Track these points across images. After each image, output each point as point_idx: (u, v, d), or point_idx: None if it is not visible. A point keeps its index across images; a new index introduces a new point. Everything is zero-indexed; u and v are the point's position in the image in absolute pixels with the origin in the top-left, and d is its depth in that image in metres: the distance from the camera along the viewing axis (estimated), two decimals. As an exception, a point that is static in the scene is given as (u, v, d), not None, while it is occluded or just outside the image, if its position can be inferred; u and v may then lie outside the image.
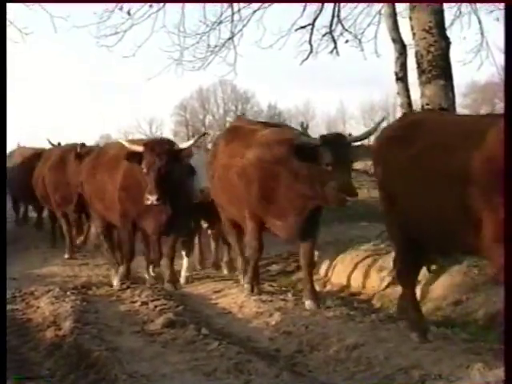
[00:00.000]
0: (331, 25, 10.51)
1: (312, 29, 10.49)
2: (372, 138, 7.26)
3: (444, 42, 7.72)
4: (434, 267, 6.59)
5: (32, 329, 6.21)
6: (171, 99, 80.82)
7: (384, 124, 7.35)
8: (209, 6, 10.03)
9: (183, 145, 7.94)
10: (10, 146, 14.29)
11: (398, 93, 9.38)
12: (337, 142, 6.33)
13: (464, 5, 10.05)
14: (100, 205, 8.49)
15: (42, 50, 53.91)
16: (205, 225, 9.04)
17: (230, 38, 10.10)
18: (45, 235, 12.20)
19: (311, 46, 10.62)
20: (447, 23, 8.65)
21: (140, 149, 7.51)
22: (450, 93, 7.70)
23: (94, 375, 4.73)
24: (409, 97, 9.27)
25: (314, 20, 10.43)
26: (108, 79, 75.25)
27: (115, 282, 8.11)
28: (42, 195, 11.28)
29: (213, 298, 7.37)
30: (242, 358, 4.93)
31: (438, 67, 7.65)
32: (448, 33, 8.00)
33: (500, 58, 9.64)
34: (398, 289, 6.73)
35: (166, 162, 7.35)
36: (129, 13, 9.49)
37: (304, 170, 6.38)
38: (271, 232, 7.11)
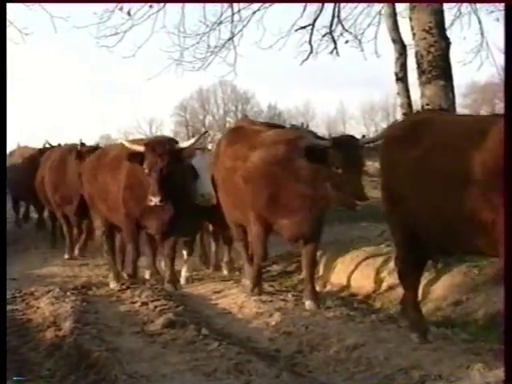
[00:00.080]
0: (331, 25, 10.52)
1: (312, 29, 10.50)
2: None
3: (444, 43, 7.73)
4: (440, 265, 6.57)
5: (32, 329, 6.21)
6: (171, 99, 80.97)
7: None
8: (209, 6, 10.04)
9: (184, 144, 7.89)
10: (10, 146, 14.27)
11: (398, 93, 9.38)
12: (348, 145, 6.25)
13: (464, 5, 10.06)
14: (103, 206, 8.44)
15: (42, 50, 54.13)
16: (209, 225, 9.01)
17: (230, 39, 10.11)
18: (45, 235, 12.20)
19: (311, 46, 10.64)
20: (447, 23, 8.67)
21: (141, 149, 7.46)
22: (450, 93, 7.71)
23: (94, 376, 4.73)
24: (409, 97, 9.27)
25: (314, 20, 10.44)
26: (108, 79, 75.40)
27: (112, 285, 8.10)
28: (42, 195, 11.29)
29: (213, 298, 7.36)
30: (242, 358, 4.93)
31: (438, 67, 7.65)
32: (448, 33, 8.01)
33: (500, 59, 9.65)
34: (398, 289, 6.75)
35: (167, 162, 7.28)
36: (129, 13, 9.50)
37: (314, 171, 6.30)
38: (275, 233, 7.04)
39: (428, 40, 7.67)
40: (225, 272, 8.75)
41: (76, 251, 10.39)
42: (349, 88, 67.35)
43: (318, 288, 7.24)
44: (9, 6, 6.89)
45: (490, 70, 25.69)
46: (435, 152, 4.86)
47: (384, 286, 7.10)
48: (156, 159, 7.30)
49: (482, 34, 10.35)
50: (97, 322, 6.31)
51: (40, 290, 7.69)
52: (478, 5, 10.06)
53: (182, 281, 8.25)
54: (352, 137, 6.65)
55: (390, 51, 9.50)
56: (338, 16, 10.46)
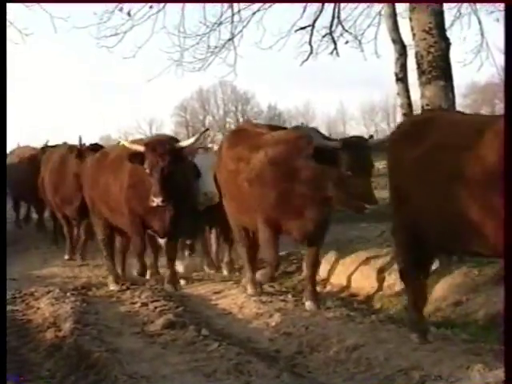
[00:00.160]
0: (331, 26, 10.52)
1: (312, 30, 10.50)
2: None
3: (444, 43, 7.72)
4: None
5: (32, 330, 6.22)
6: (171, 100, 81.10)
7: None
8: (209, 6, 10.04)
9: (185, 142, 7.86)
10: (10, 146, 14.27)
11: (398, 93, 9.39)
12: (358, 146, 6.18)
13: (464, 6, 10.06)
14: (105, 208, 8.40)
15: (42, 50, 54.26)
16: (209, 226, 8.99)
17: (230, 39, 10.10)
18: (45, 236, 12.20)
19: (311, 46, 10.64)
20: (447, 24, 8.66)
21: (141, 149, 7.44)
22: (450, 93, 7.70)
23: (94, 376, 4.73)
24: (409, 97, 9.28)
25: (314, 21, 10.43)
26: (108, 80, 75.53)
27: (112, 287, 8.09)
28: (44, 196, 11.30)
29: (213, 298, 7.36)
30: (242, 358, 4.93)
31: (438, 68, 7.65)
32: (448, 34, 8.00)
33: (500, 59, 9.65)
34: (398, 290, 6.76)
35: (168, 161, 7.24)
36: (129, 14, 9.49)
37: (322, 172, 6.22)
38: (284, 234, 6.92)
39: (428, 40, 7.66)
40: (225, 272, 8.75)
41: (77, 256, 10.36)
42: (349, 88, 67.59)
43: (318, 288, 7.23)
44: (9, 6, 6.91)
45: (490, 70, 25.70)
46: (436, 150, 4.86)
47: (384, 286, 7.09)
48: (157, 159, 7.25)
49: (482, 34, 10.35)
50: (97, 322, 6.32)
51: (40, 290, 7.70)
52: (478, 5, 10.06)
53: (182, 281, 8.25)
54: (361, 138, 6.59)
55: (390, 52, 9.51)
56: (338, 17, 10.46)
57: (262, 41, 10.33)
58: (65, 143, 11.51)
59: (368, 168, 6.19)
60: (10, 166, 12.33)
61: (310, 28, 10.47)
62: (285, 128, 8.23)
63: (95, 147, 9.81)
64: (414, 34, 7.85)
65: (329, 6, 10.36)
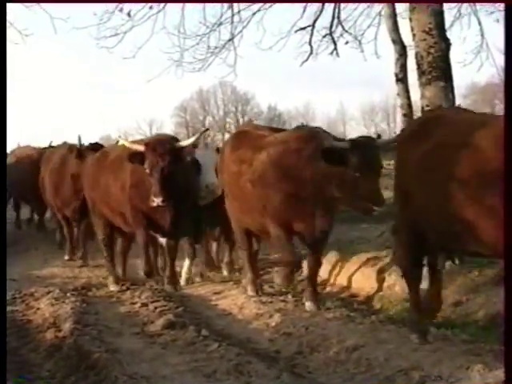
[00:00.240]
0: (331, 26, 10.52)
1: (312, 30, 10.51)
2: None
3: (444, 44, 7.72)
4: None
5: (32, 330, 6.21)
6: (171, 100, 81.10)
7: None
8: (209, 7, 10.04)
9: (185, 142, 7.85)
10: (10, 147, 14.27)
11: (398, 94, 9.38)
12: (366, 147, 6.11)
13: (464, 6, 10.06)
14: (105, 207, 8.39)
15: (42, 51, 54.25)
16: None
17: (230, 40, 10.10)
18: (45, 236, 12.19)
19: (311, 47, 10.64)
20: (447, 24, 8.67)
21: (141, 148, 7.44)
22: (450, 94, 7.70)
23: (94, 377, 4.73)
24: (409, 98, 9.27)
25: (314, 21, 10.44)
26: (108, 80, 75.45)
27: (112, 288, 8.09)
28: (44, 197, 11.30)
29: (213, 299, 7.36)
30: (242, 359, 4.93)
31: (438, 68, 7.65)
32: (448, 34, 8.01)
33: (500, 59, 9.65)
34: (398, 290, 6.76)
35: (168, 161, 7.24)
36: (129, 14, 9.49)
37: (331, 173, 6.15)
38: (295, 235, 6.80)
39: (428, 41, 7.66)
40: (225, 273, 8.75)
41: (78, 256, 10.35)
42: (349, 89, 67.64)
43: (318, 289, 7.23)
44: (9, 6, 6.89)
45: (490, 70, 25.73)
46: (438, 150, 4.85)
47: (384, 287, 7.09)
48: (157, 159, 7.24)
49: (482, 34, 10.36)
50: (97, 323, 6.32)
51: (40, 290, 7.69)
52: (478, 6, 10.07)
53: (182, 282, 8.25)
54: (370, 138, 6.54)
55: (390, 52, 9.51)
56: (338, 17, 10.46)
57: (262, 41, 10.34)
58: (65, 143, 11.50)
59: (377, 168, 6.14)
60: (11, 166, 12.33)
61: (310, 28, 10.47)
62: (284, 130, 8.20)
63: (95, 147, 9.79)
64: (413, 35, 7.85)
65: (329, 7, 10.37)
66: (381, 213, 6.18)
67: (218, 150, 8.81)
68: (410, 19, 7.89)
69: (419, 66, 7.76)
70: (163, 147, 7.34)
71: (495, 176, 4.29)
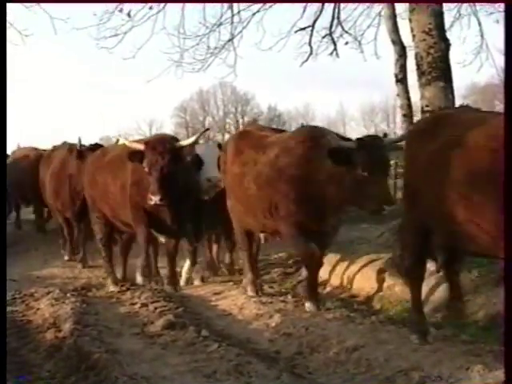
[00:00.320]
0: (331, 26, 10.55)
1: (312, 30, 10.53)
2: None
3: (444, 44, 7.73)
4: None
5: (32, 330, 6.21)
6: (171, 101, 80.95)
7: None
8: (209, 7, 10.06)
9: (185, 141, 7.84)
10: (10, 147, 14.29)
11: (398, 94, 9.41)
12: (374, 146, 6.06)
13: (464, 7, 10.09)
14: (105, 207, 8.39)
15: (42, 51, 53.94)
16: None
17: (229, 40, 10.12)
18: (45, 237, 12.19)
19: (311, 47, 10.67)
20: (447, 25, 8.70)
21: (141, 147, 7.43)
22: (449, 94, 7.71)
23: (94, 377, 4.73)
24: (408, 98, 9.30)
25: (314, 22, 10.46)
26: (108, 80, 75.40)
27: (112, 289, 8.08)
28: (44, 197, 11.29)
29: (213, 299, 7.36)
30: (241, 359, 4.93)
31: (438, 69, 7.66)
32: (448, 35, 8.02)
33: (500, 60, 9.67)
34: (398, 290, 6.76)
35: (168, 160, 7.23)
36: (129, 15, 9.51)
37: (339, 173, 6.11)
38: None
39: (428, 41, 7.67)
40: (225, 271, 8.75)
41: (78, 257, 10.34)
42: (349, 89, 67.53)
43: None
44: (9, 7, 6.89)
45: (490, 71, 25.75)
46: (444, 149, 4.83)
47: (384, 287, 7.09)
48: (156, 158, 7.23)
49: (481, 35, 10.39)
50: (97, 323, 6.31)
51: (40, 291, 7.69)
52: (478, 6, 10.09)
53: (182, 282, 8.24)
54: (377, 137, 6.51)
55: (389, 53, 9.55)
56: (338, 17, 10.49)
57: (261, 41, 10.37)
58: (64, 143, 11.50)
59: (385, 168, 6.12)
60: (11, 167, 12.34)
61: (309, 29, 10.50)
62: (285, 131, 8.19)
63: (96, 148, 9.79)
64: (413, 35, 7.86)
65: (329, 7, 10.40)
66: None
67: (219, 145, 8.79)
68: (410, 20, 7.89)
69: (419, 66, 7.77)
70: (163, 146, 7.33)
71: (498, 175, 4.27)
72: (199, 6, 10.09)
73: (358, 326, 5.84)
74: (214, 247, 9.06)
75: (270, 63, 52.75)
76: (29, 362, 5.33)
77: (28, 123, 57.94)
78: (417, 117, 9.90)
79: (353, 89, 70.31)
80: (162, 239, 8.09)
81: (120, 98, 70.84)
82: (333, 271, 7.97)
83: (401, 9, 9.72)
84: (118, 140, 8.91)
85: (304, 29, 10.49)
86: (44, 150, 12.65)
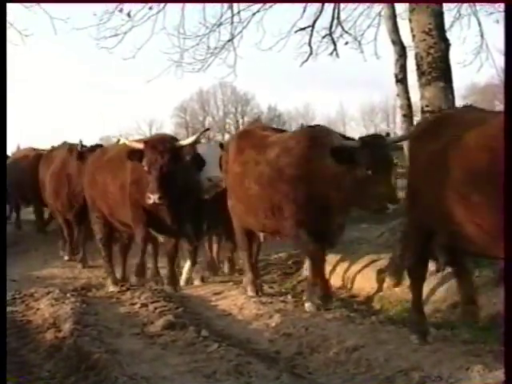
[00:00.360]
0: (331, 27, 10.53)
1: (312, 31, 10.51)
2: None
3: (444, 44, 7.72)
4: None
5: (32, 331, 6.22)
6: (171, 101, 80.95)
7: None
8: (208, 7, 10.05)
9: (185, 141, 7.83)
10: (10, 147, 14.32)
11: (398, 95, 9.38)
12: (377, 145, 6.05)
13: (464, 7, 10.07)
14: (104, 206, 8.39)
15: (42, 51, 53.97)
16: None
17: (229, 40, 10.11)
18: (45, 237, 12.19)
19: (311, 47, 10.65)
20: (447, 25, 8.67)
21: (141, 146, 7.42)
22: (449, 95, 7.69)
23: (93, 377, 4.73)
24: (408, 99, 9.28)
25: (314, 22, 10.44)
26: (108, 80, 75.41)
27: (111, 289, 8.07)
28: (44, 198, 11.29)
29: (213, 299, 7.36)
30: (241, 359, 4.93)
31: (438, 69, 7.64)
32: (448, 35, 8.00)
33: (500, 60, 9.66)
34: (398, 291, 6.76)
35: (167, 159, 7.22)
36: (129, 15, 9.49)
37: (343, 173, 6.09)
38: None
39: (428, 41, 7.66)
40: (226, 270, 8.74)
41: (77, 257, 10.34)
42: (349, 89, 67.50)
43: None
44: (9, 7, 6.90)
45: (490, 71, 25.75)
46: (446, 149, 4.82)
47: (384, 287, 7.09)
48: (156, 156, 7.22)
49: (481, 35, 10.37)
50: (97, 323, 6.31)
51: (40, 291, 7.70)
52: (478, 6, 10.08)
53: (182, 282, 8.24)
54: (380, 136, 6.50)
55: (389, 53, 9.51)
56: (338, 17, 10.47)
57: (261, 42, 10.34)
58: (64, 143, 11.49)
59: (388, 166, 6.09)
60: (11, 167, 12.35)
61: (309, 29, 10.48)
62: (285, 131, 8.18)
63: (97, 148, 9.79)
64: (413, 35, 7.85)
65: (329, 7, 10.38)
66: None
67: (221, 145, 8.78)
68: (410, 20, 7.88)
69: (419, 66, 7.76)
70: (163, 145, 7.33)
71: (499, 175, 4.25)
72: (199, 6, 10.08)
73: (358, 326, 5.84)
74: (215, 247, 9.06)
75: (270, 63, 52.75)
76: (29, 362, 5.33)
77: (28, 123, 58.02)
78: (417, 117, 9.90)
79: (353, 89, 70.35)
80: (161, 239, 8.09)
81: (120, 97, 70.88)
82: (333, 271, 7.96)
83: (401, 9, 9.70)
84: (118, 140, 8.90)
85: (304, 29, 10.48)
86: (43, 150, 12.65)
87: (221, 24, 9.97)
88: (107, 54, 9.88)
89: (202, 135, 10.31)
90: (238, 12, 9.96)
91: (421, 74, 7.74)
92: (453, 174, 4.71)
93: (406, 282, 6.60)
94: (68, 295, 7.44)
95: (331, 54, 10.79)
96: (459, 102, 10.59)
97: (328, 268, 7.96)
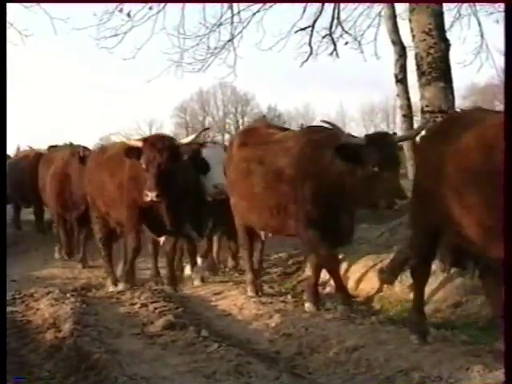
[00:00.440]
0: (331, 27, 10.56)
1: (312, 31, 10.54)
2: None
3: (444, 44, 7.73)
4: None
5: (32, 331, 6.21)
6: (171, 101, 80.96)
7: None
8: (208, 7, 10.07)
9: (184, 140, 7.81)
10: (10, 148, 14.32)
11: (398, 95, 9.41)
12: (383, 142, 6.00)
13: (464, 7, 10.09)
14: (102, 205, 8.36)
15: (42, 51, 54.00)
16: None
17: (229, 40, 10.12)
18: (45, 237, 12.18)
19: (311, 47, 10.67)
20: (447, 25, 8.69)
21: (139, 144, 7.41)
22: (449, 95, 7.70)
23: (93, 377, 4.72)
24: (408, 99, 9.30)
25: (314, 22, 10.47)
26: (108, 80, 75.41)
27: (111, 289, 8.06)
28: (44, 199, 11.27)
29: (212, 299, 7.36)
30: (241, 360, 4.93)
31: (438, 69, 7.65)
32: (448, 35, 8.01)
33: (500, 60, 9.68)
34: (398, 291, 6.76)
35: (166, 157, 7.19)
36: (129, 15, 9.51)
37: (348, 170, 6.04)
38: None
39: (428, 42, 7.66)
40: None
41: (77, 257, 10.33)
42: (349, 89, 67.48)
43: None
44: (9, 7, 6.90)
45: (490, 71, 25.73)
46: (455, 151, 4.80)
47: (384, 287, 7.08)
48: (154, 154, 7.19)
49: (481, 35, 10.39)
50: (96, 323, 6.31)
51: (40, 291, 7.69)
52: (478, 6, 10.09)
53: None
54: (387, 133, 6.44)
55: (389, 53, 9.55)
56: (338, 17, 10.49)
57: (261, 42, 10.37)
58: (68, 144, 11.44)
59: (395, 163, 6.04)
60: (12, 167, 12.35)
61: (309, 29, 10.51)
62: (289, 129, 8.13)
63: None
64: (413, 36, 7.86)
65: (328, 7, 10.41)
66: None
67: (226, 148, 8.74)
68: (410, 20, 7.89)
69: (419, 66, 7.77)
70: (161, 143, 7.31)
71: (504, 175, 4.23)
72: (199, 6, 10.10)
73: (357, 326, 5.84)
74: (215, 247, 9.06)
75: (270, 63, 52.74)
76: (29, 362, 5.33)
77: (28, 123, 57.89)
78: (417, 117, 9.90)
79: (353, 89, 70.38)
80: (161, 241, 8.08)
81: (120, 97, 70.80)
82: (333, 271, 7.94)
83: (401, 9, 9.73)
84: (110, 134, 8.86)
85: (304, 29, 10.49)
86: (39, 150, 12.63)
87: (221, 24, 9.99)
88: (107, 54, 9.92)
89: (202, 135, 10.28)
90: (238, 12, 9.99)
91: (421, 74, 7.75)
92: (469, 175, 4.66)
93: (406, 282, 6.63)
94: (68, 295, 7.43)
95: (331, 54, 10.82)
96: (459, 102, 10.60)
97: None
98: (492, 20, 10.00)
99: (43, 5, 9.39)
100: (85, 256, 10.06)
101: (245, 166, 7.15)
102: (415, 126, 10.79)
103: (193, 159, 8.02)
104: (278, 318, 6.12)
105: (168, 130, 48.57)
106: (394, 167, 6.00)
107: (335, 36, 10.62)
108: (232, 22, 9.99)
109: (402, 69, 9.22)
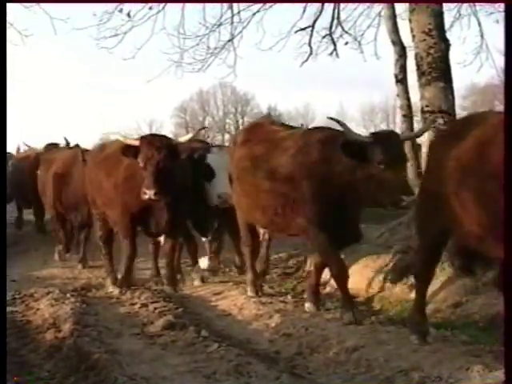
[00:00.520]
0: (331, 27, 10.56)
1: (312, 31, 10.55)
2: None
3: (444, 44, 7.73)
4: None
5: (32, 331, 6.21)
6: (171, 101, 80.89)
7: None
8: (208, 7, 10.07)
9: (182, 138, 7.78)
10: (10, 148, 14.30)
11: (398, 95, 9.43)
12: (389, 140, 5.95)
13: (464, 7, 10.09)
14: (100, 203, 8.35)
15: (42, 51, 54.02)
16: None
17: (229, 40, 10.13)
18: (45, 237, 12.18)
19: (311, 47, 10.68)
20: (447, 25, 8.70)
21: (136, 142, 7.37)
22: (449, 95, 7.71)
23: (93, 377, 4.73)
24: (408, 99, 9.32)
25: (314, 22, 10.47)
26: (108, 80, 75.41)
27: (111, 289, 8.04)
28: (44, 200, 11.26)
29: (212, 300, 7.36)
30: (241, 360, 4.93)
31: (438, 69, 7.66)
32: (448, 35, 8.02)
33: (500, 60, 9.69)
34: (398, 291, 6.76)
35: (164, 155, 7.16)
36: (129, 15, 9.52)
37: (356, 168, 5.97)
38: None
39: (428, 42, 7.67)
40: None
41: (77, 257, 10.33)
42: (349, 90, 67.33)
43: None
44: (9, 7, 6.90)
45: (490, 71, 25.64)
46: (467, 153, 4.76)
47: (384, 287, 7.09)
48: (152, 152, 7.15)
49: (481, 35, 10.39)
50: (96, 323, 6.31)
51: (40, 291, 7.68)
52: (478, 6, 10.10)
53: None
54: (393, 132, 6.42)
55: (389, 53, 9.56)
56: (338, 17, 10.49)
57: (261, 42, 10.38)
58: (77, 145, 11.42)
59: (402, 161, 6.02)
60: (13, 167, 12.34)
61: (309, 29, 10.51)
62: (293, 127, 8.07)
63: None
64: (413, 36, 7.87)
65: (328, 7, 10.42)
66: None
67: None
68: (410, 20, 7.90)
69: (419, 66, 7.77)
70: (159, 141, 7.30)
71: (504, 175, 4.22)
72: (199, 6, 10.11)
73: (357, 326, 5.84)
74: (213, 247, 9.05)
75: (270, 63, 52.66)
76: (29, 362, 5.33)
77: (28, 123, 57.83)
78: (417, 117, 9.91)
79: (353, 89, 70.31)
80: (161, 239, 8.07)
81: (120, 97, 70.79)
82: (333, 271, 7.94)
83: (401, 9, 9.72)
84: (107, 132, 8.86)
85: (304, 29, 10.50)
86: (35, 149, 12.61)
87: (221, 24, 10.00)
88: (107, 54, 9.93)
89: (201, 134, 10.27)
90: (238, 12, 9.99)
91: (421, 74, 7.76)
92: (482, 177, 4.59)
93: (406, 282, 6.63)
94: (68, 295, 7.43)
95: (331, 54, 10.82)
96: (459, 102, 10.60)
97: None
98: (492, 20, 10.02)
99: (43, 5, 9.41)
100: (85, 256, 10.05)
101: (249, 162, 7.07)
102: (415, 125, 10.81)
103: (197, 164, 8.00)
104: (278, 318, 6.12)
105: (168, 130, 48.58)
106: (400, 164, 5.97)
107: (335, 36, 10.64)
108: (232, 22, 10.00)
109: (402, 69, 9.23)
